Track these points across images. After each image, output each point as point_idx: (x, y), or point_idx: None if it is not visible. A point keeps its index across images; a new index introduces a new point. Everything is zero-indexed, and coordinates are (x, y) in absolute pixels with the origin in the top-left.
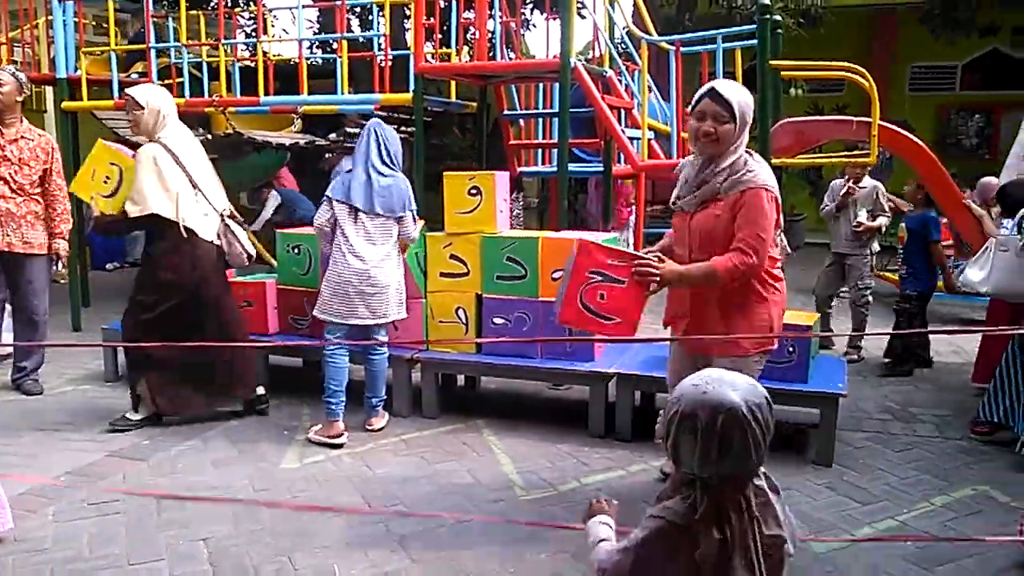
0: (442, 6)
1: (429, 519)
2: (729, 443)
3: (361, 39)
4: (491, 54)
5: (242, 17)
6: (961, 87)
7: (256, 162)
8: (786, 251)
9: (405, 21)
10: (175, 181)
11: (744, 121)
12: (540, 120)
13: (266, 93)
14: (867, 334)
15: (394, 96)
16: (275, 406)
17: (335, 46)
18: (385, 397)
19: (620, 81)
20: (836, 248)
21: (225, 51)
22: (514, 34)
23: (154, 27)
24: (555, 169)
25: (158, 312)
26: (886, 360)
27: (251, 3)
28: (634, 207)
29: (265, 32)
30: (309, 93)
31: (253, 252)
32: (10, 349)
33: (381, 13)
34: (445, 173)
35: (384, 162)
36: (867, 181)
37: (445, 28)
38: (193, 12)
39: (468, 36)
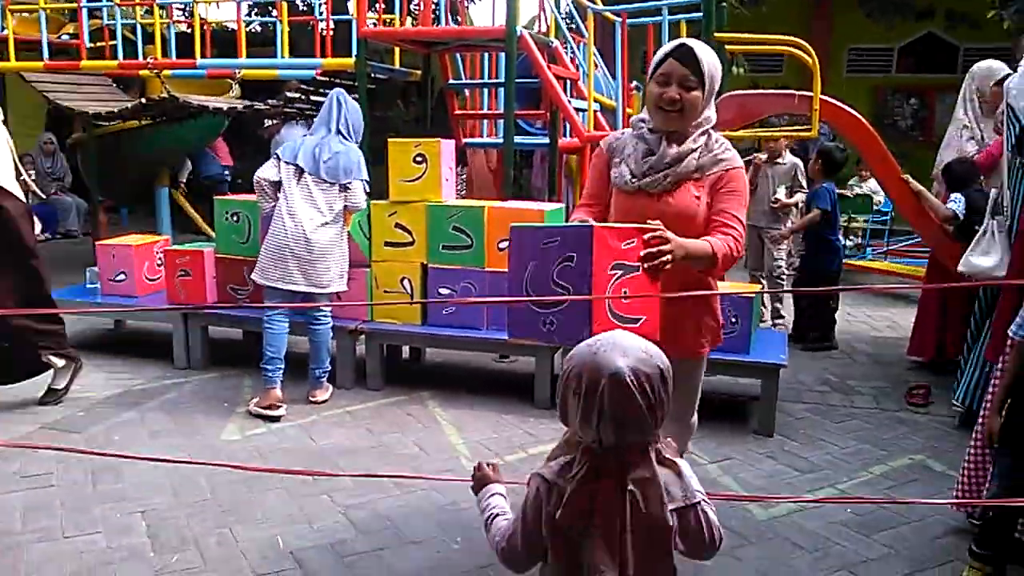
0: None
1: (374, 490)
2: (612, 410)
3: (301, 5)
4: (435, 22)
5: None
6: (897, 70)
7: (193, 128)
8: None
9: None
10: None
11: (712, 88)
12: (485, 91)
13: (203, 57)
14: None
15: (336, 60)
16: (215, 378)
17: (275, 13)
18: (329, 369)
19: (566, 52)
20: (754, 222)
21: (160, 14)
22: (459, 3)
23: None
24: (501, 140)
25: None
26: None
27: None
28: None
29: None
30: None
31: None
32: None
33: None
34: (390, 140)
35: (339, 131)
36: (788, 158)
37: None
38: None
39: (412, 6)
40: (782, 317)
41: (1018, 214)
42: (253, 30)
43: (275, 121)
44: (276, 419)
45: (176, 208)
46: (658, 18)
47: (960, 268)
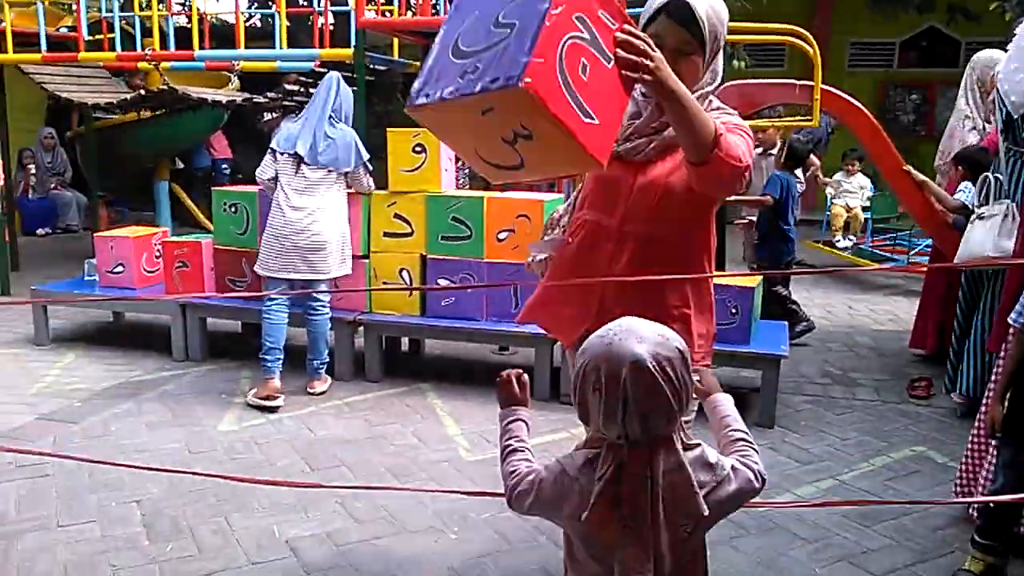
0: None
1: (371, 479)
2: (637, 400)
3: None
4: (435, 13)
5: None
6: (899, 64)
7: (193, 121)
8: None
9: None
10: None
11: (716, 46)
12: None
13: (201, 49)
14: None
15: (334, 51)
16: (213, 370)
17: (272, 5)
18: (327, 360)
19: None
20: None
21: (159, 7)
22: None
23: None
24: None
25: None
26: None
27: None
28: None
29: None
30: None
31: None
32: None
33: None
34: (389, 130)
35: (332, 116)
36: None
37: None
38: None
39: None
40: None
41: (1019, 200)
42: (253, 25)
43: (275, 114)
44: (274, 410)
45: (176, 201)
46: None
47: (989, 252)
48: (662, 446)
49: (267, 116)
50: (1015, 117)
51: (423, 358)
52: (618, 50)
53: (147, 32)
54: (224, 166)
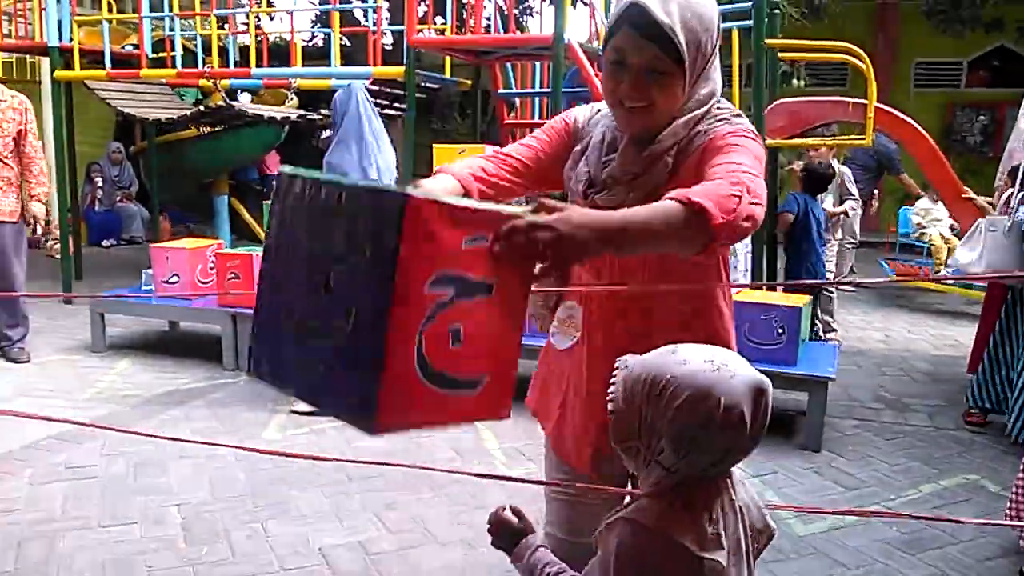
0: None
1: (406, 491)
2: (757, 424)
3: (354, 11)
4: (486, 31)
5: None
6: (967, 84)
7: (252, 137)
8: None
9: None
10: None
11: (702, 55)
12: (537, 100)
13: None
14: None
15: (387, 69)
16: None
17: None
18: None
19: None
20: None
21: (219, 23)
22: (508, 10)
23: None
24: None
25: None
26: None
27: None
28: None
29: (259, 3)
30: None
31: None
32: None
33: None
34: (435, 144)
35: (375, 133)
36: (834, 166)
37: (440, 5)
38: None
39: (463, 14)
40: (834, 330)
41: None
42: (315, 44)
43: (330, 132)
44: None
45: (235, 214)
46: None
47: (947, 261)
48: (729, 475)
49: (325, 134)
50: None
51: None
52: (504, 244)
53: (209, 50)
54: (275, 182)
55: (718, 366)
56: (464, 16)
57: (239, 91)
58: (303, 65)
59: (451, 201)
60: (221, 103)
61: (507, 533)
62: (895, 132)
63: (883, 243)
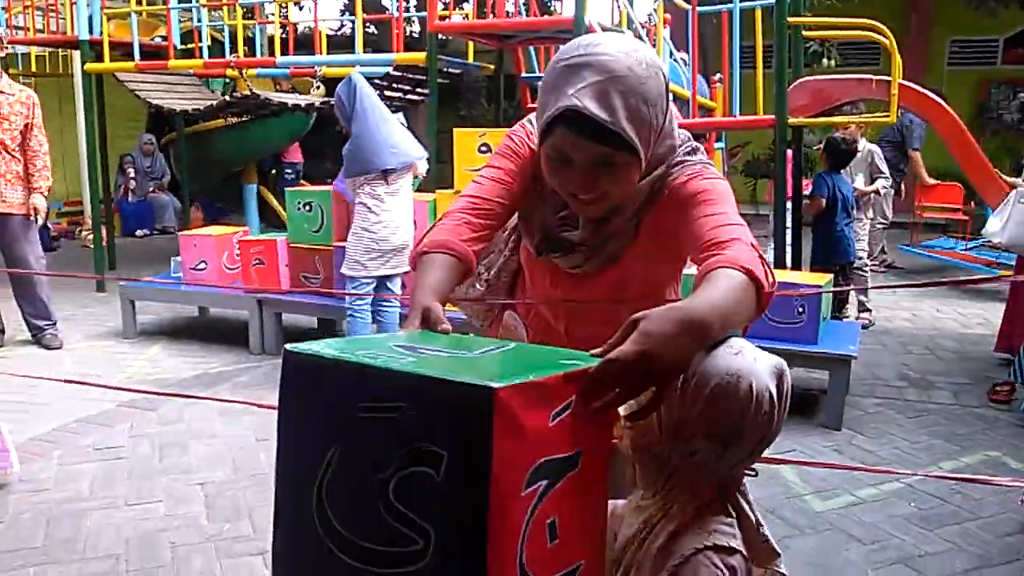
0: None
1: None
2: (785, 411)
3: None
4: (508, 15)
5: None
6: (1003, 61)
7: (278, 125)
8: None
9: None
10: None
11: (656, 128)
12: None
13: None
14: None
15: (408, 55)
16: None
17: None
18: None
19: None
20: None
21: (246, 13)
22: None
23: None
24: None
25: None
26: None
27: None
28: None
29: None
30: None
31: None
32: None
33: None
34: (455, 129)
35: (383, 113)
36: (862, 144)
37: None
38: None
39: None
40: (868, 310)
41: None
42: (343, 34)
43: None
44: None
45: (264, 202)
46: (729, 5)
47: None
48: None
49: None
50: None
51: None
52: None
53: (236, 40)
54: (288, 170)
55: (738, 350)
56: (487, 1)
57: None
58: (329, 54)
59: (536, 377)
60: (247, 92)
61: None
62: (921, 110)
63: (915, 223)
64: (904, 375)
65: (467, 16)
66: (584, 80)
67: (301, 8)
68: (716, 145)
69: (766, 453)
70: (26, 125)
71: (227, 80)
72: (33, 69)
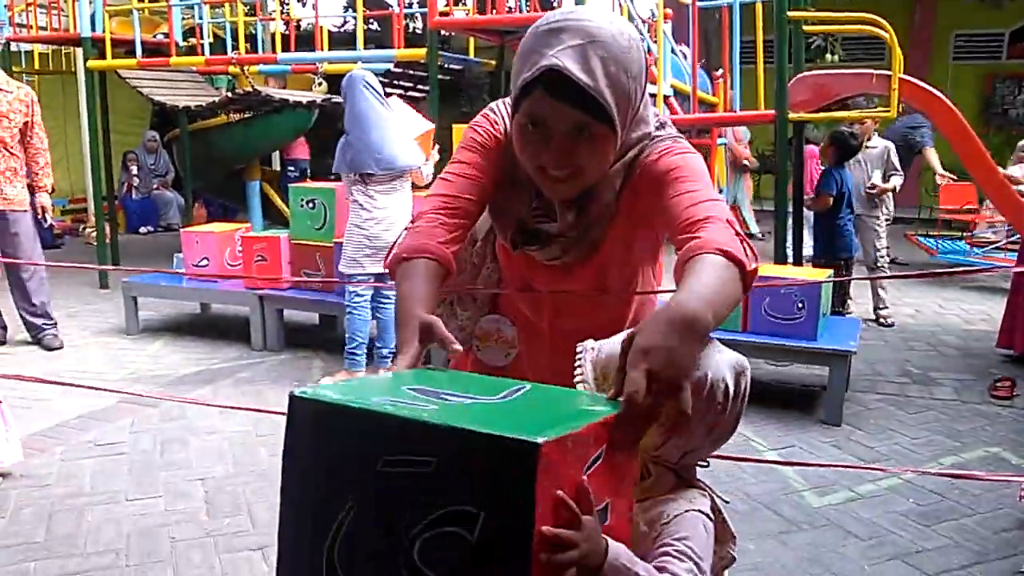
0: None
1: None
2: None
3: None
4: (509, 11)
5: None
6: (1008, 55)
7: (281, 122)
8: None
9: None
10: None
11: (634, 106)
12: None
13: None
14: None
15: (409, 51)
16: (288, 360)
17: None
18: (395, 349)
19: (641, 39)
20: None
21: (247, 10)
22: None
23: None
24: None
25: None
26: None
27: None
28: None
29: None
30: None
31: None
32: None
33: None
34: (455, 125)
35: (379, 118)
36: (877, 141)
37: None
38: None
39: None
40: (886, 307)
41: None
42: (346, 30)
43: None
44: None
45: (267, 200)
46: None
47: None
48: None
49: None
50: None
51: None
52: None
53: (238, 37)
54: (291, 168)
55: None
56: None
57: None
58: (331, 50)
59: (573, 429)
60: (249, 89)
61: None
62: (921, 104)
63: (916, 219)
64: (906, 371)
65: (468, 12)
66: (564, 43)
67: (304, 5)
68: (719, 141)
69: (767, 454)
70: (26, 123)
71: (231, 78)
72: (36, 66)
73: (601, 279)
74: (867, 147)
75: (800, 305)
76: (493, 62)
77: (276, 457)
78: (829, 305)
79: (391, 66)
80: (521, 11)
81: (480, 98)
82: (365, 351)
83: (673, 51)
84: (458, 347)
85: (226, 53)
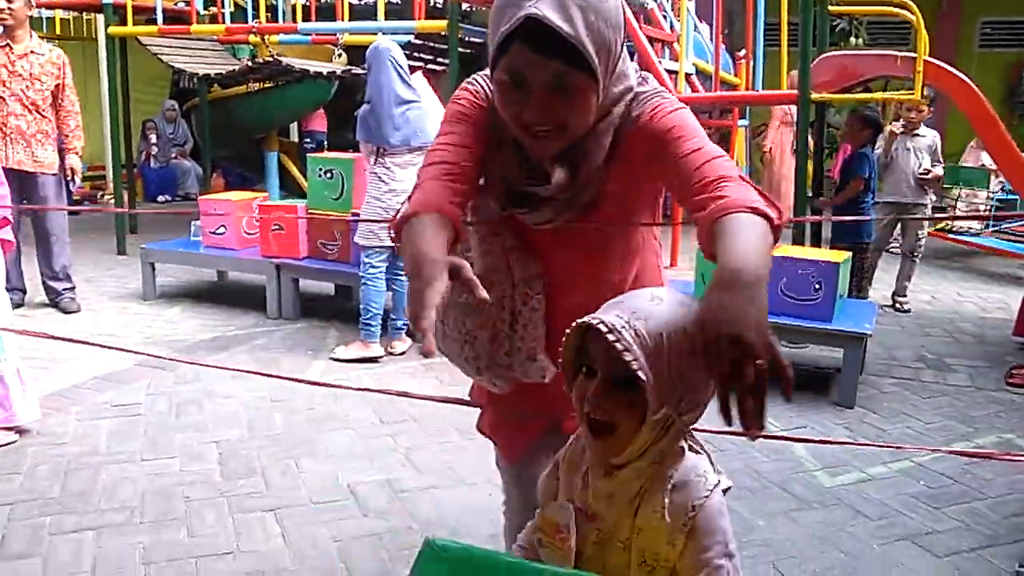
0: None
1: (436, 435)
2: None
3: None
4: None
5: None
6: None
7: (300, 93)
8: None
9: None
10: None
11: (614, 58)
12: None
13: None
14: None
15: (429, 24)
16: (303, 328)
17: None
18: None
19: (664, 17)
20: (897, 198)
21: None
22: None
23: None
24: None
25: None
26: None
27: None
28: None
29: None
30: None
31: None
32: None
33: None
34: None
35: (410, 87)
36: (926, 130)
37: None
38: None
39: None
40: (905, 295)
41: None
42: (366, 3)
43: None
44: (375, 359)
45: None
46: None
47: None
48: None
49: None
50: None
51: None
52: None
53: (259, 6)
54: (307, 139)
55: (688, 303)
56: None
57: None
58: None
59: None
60: (269, 58)
61: None
62: (946, 88)
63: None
64: (921, 356)
65: None
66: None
67: None
68: (740, 123)
69: (776, 430)
70: (57, 86)
71: (252, 48)
72: (57, 32)
73: (600, 244)
74: (917, 135)
75: (817, 286)
76: None
77: (290, 423)
78: (847, 288)
79: (411, 38)
80: None
81: None
82: (380, 323)
83: (696, 28)
84: (483, 293)
85: (247, 22)
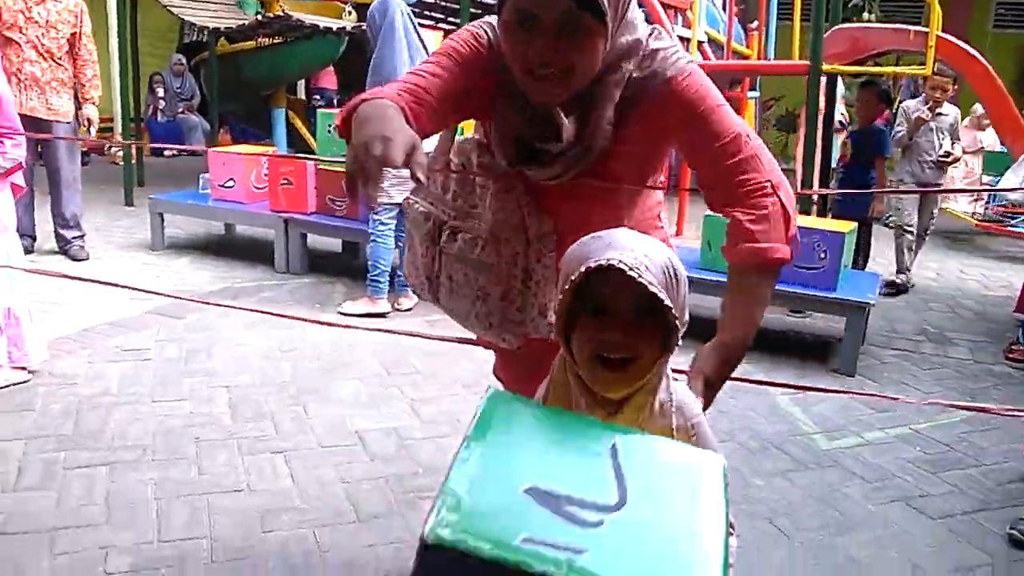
0: None
1: (443, 389)
2: None
3: None
4: None
5: None
6: None
7: (310, 49)
8: None
9: None
10: None
11: (624, 4)
12: None
13: None
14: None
15: None
16: (311, 283)
17: None
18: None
19: None
20: (920, 179)
21: None
22: None
23: None
24: None
25: None
26: None
27: None
28: None
29: None
30: None
31: None
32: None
33: None
34: None
35: (423, 44)
36: (948, 108)
37: None
38: None
39: None
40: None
41: None
42: None
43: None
44: (383, 314)
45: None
46: None
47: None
48: None
49: None
50: None
51: None
52: None
53: None
54: (317, 96)
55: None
56: None
57: None
58: None
59: None
60: (280, 13)
61: None
62: (958, 64)
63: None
64: (923, 330)
65: None
66: None
67: None
68: (750, 94)
69: (779, 399)
70: (73, 34)
71: (260, 3)
72: None
73: (611, 199)
74: (940, 114)
75: (823, 255)
76: None
77: (299, 372)
78: (851, 258)
79: None
80: None
81: None
82: (388, 279)
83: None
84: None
85: None
